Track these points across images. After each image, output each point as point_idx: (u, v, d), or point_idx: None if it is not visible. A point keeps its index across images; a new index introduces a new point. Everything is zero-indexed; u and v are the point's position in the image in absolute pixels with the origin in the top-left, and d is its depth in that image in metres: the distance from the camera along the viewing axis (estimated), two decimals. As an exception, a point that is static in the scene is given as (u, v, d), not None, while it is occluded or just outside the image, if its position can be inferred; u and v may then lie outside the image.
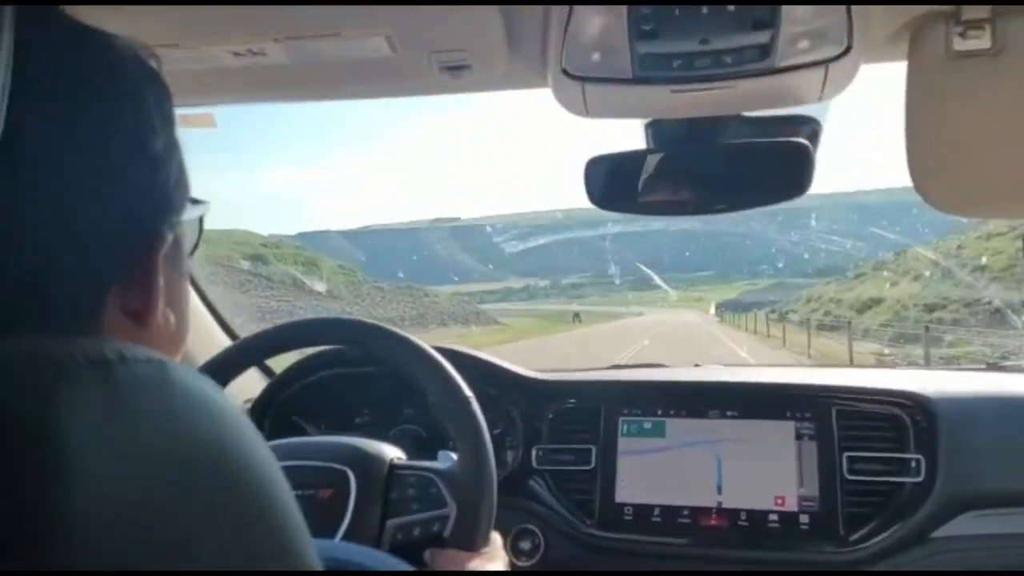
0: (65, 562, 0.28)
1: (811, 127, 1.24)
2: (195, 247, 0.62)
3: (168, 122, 0.53)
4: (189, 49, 0.97)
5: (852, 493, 1.31)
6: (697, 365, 1.69)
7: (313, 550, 0.38)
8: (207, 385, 0.36)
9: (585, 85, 1.01)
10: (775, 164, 1.16)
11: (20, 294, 0.42)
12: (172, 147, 0.53)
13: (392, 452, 1.12)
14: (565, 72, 0.99)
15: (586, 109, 1.08)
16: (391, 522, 1.05)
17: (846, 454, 1.32)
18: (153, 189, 0.51)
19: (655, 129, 1.23)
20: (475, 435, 1.05)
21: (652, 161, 1.24)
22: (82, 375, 0.32)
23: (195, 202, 0.58)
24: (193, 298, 1.61)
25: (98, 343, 0.33)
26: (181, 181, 0.54)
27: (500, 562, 1.03)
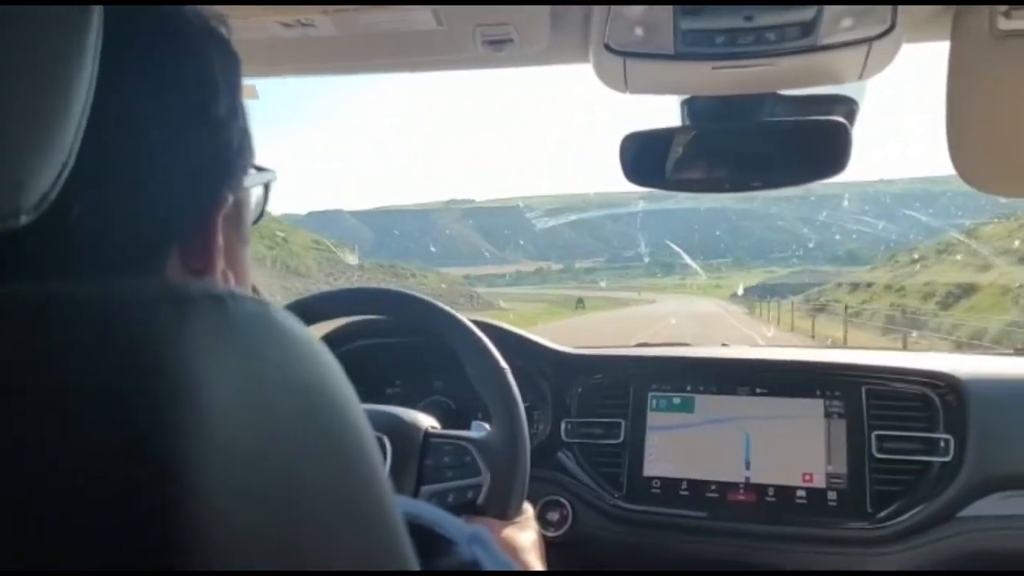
0: (196, 481, 0.30)
1: (848, 106, 1.24)
2: (260, 215, 0.63)
3: (232, 88, 0.54)
4: (238, 19, 0.99)
5: (880, 471, 1.32)
6: (725, 345, 1.70)
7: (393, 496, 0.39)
8: (304, 327, 0.37)
9: (627, 60, 1.02)
10: (813, 142, 1.17)
11: (90, 247, 0.44)
12: (235, 112, 0.54)
13: (427, 421, 1.14)
14: (607, 47, 1.00)
15: (626, 84, 1.09)
16: (426, 488, 1.07)
17: (875, 433, 1.33)
18: (214, 150, 0.52)
19: (691, 106, 1.24)
20: (510, 406, 1.08)
21: (688, 138, 1.25)
22: (201, 307, 0.33)
23: (260, 169, 0.59)
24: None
25: (204, 282, 0.35)
26: (244, 146, 0.55)
27: (532, 531, 1.05)
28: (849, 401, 1.36)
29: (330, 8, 0.95)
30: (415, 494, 1.07)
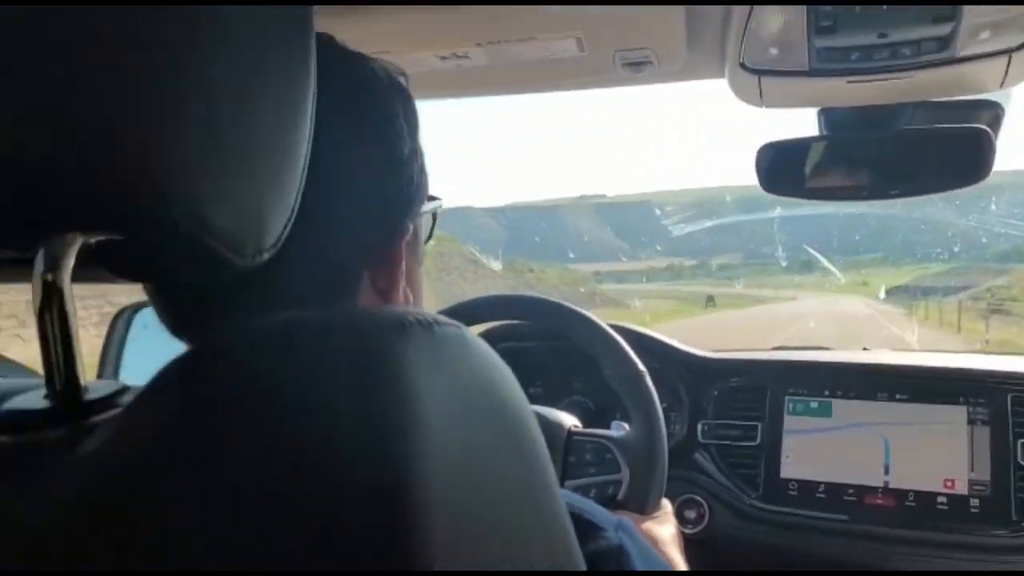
0: (423, 483, 0.32)
1: (993, 111, 1.23)
2: (429, 236, 0.72)
3: (413, 131, 0.62)
4: (399, 55, 1.10)
5: None
6: (865, 349, 1.69)
7: (563, 505, 0.43)
8: (490, 348, 0.43)
9: (761, 78, 1.06)
10: (953, 150, 1.17)
11: (300, 275, 0.52)
12: (416, 152, 0.62)
13: (570, 420, 1.22)
14: (743, 66, 1.05)
15: (761, 100, 1.13)
16: (569, 483, 1.15)
17: (1021, 441, 1.31)
18: (399, 188, 0.60)
19: (828, 115, 1.26)
20: (648, 406, 1.14)
21: (825, 147, 1.27)
22: (416, 331, 0.37)
23: (431, 198, 0.68)
24: None
25: (407, 310, 0.39)
26: (422, 181, 0.63)
27: (671, 525, 1.10)
28: (994, 408, 1.34)
29: (483, 41, 1.05)
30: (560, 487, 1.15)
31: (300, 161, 0.44)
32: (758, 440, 1.48)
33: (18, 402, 0.38)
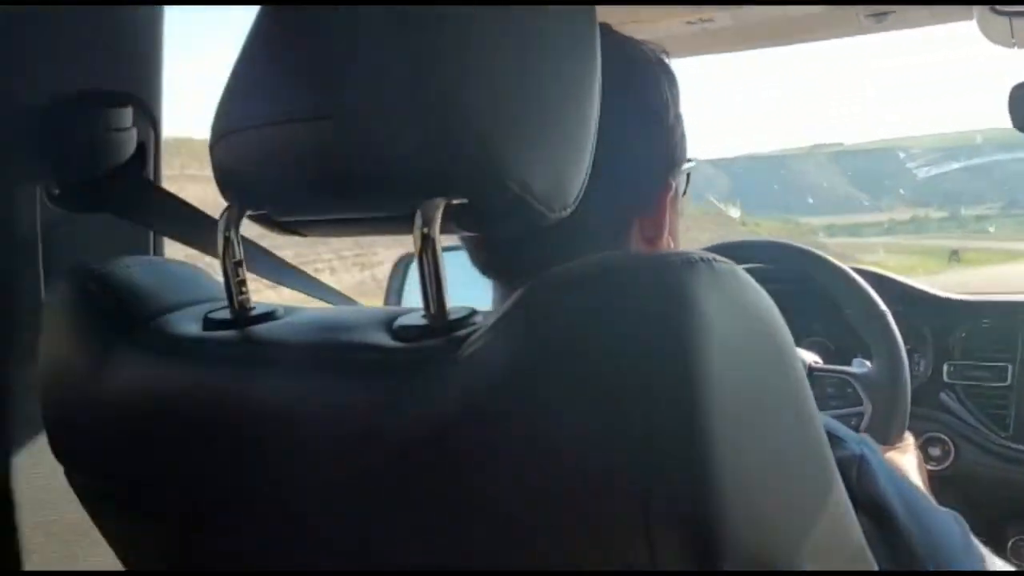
0: (711, 413, 0.38)
1: None
2: (684, 191, 0.80)
3: (676, 100, 0.72)
4: (650, 23, 1.22)
5: None
6: None
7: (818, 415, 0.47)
8: (760, 287, 0.45)
9: (1012, 19, 1.07)
10: None
11: (584, 222, 0.58)
12: (679, 118, 0.73)
13: (811, 356, 1.29)
14: (994, 9, 1.07)
15: (1012, 38, 1.14)
16: None
17: None
18: (665, 150, 0.71)
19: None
20: (891, 343, 1.19)
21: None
22: (700, 267, 0.41)
23: (688, 160, 0.77)
24: None
25: (692, 251, 0.45)
26: (683, 143, 0.73)
27: (913, 455, 1.14)
28: None
29: (730, 6, 1.15)
30: None
31: (591, 130, 0.52)
32: (1008, 381, 1.47)
33: (403, 320, 0.48)
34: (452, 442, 0.41)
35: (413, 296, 1.80)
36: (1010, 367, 1.48)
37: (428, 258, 0.45)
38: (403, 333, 0.47)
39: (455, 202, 0.45)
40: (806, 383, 0.45)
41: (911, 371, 1.41)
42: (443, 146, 0.45)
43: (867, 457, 0.68)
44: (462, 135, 0.45)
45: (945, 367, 1.55)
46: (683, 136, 0.73)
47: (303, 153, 0.48)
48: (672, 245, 0.72)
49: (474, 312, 0.47)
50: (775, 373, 0.43)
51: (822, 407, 1.20)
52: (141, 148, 0.91)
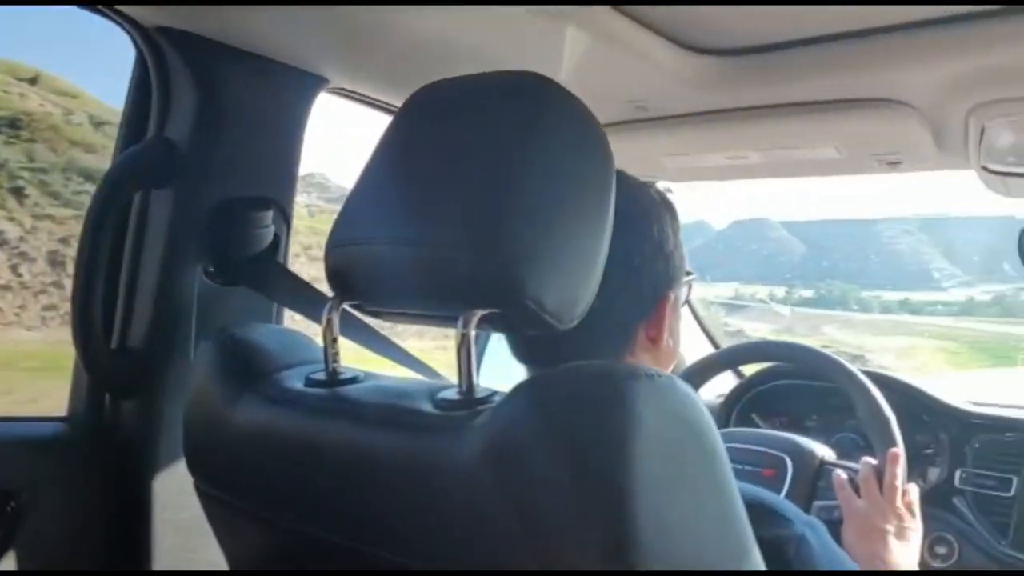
0: (639, 491, 0.51)
1: None
2: (686, 300, 0.97)
3: (676, 231, 0.89)
4: (696, 155, 1.41)
5: None
6: None
7: (742, 506, 0.57)
8: (695, 395, 0.57)
9: (1004, 178, 1.23)
10: None
11: (594, 329, 0.75)
12: (678, 246, 0.89)
13: (824, 451, 1.41)
14: (985, 168, 1.22)
15: (1007, 192, 1.29)
16: (816, 503, 1.35)
17: None
18: (665, 271, 0.85)
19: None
20: (892, 446, 1.32)
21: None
22: (641, 379, 0.53)
23: (688, 274, 0.93)
24: (691, 319, 2.08)
25: (641, 366, 0.57)
26: (682, 264, 0.90)
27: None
28: None
29: (760, 147, 1.33)
30: (807, 507, 1.36)
31: (600, 260, 0.67)
32: (1012, 492, 1.58)
33: (443, 394, 0.63)
34: (469, 483, 0.56)
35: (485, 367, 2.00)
36: (1015, 479, 1.59)
37: (464, 351, 0.61)
38: (441, 404, 0.62)
39: (488, 312, 0.61)
40: (730, 478, 0.57)
41: (925, 474, 1.54)
42: (484, 276, 0.61)
43: (807, 538, 0.80)
44: (498, 269, 0.61)
45: (958, 473, 1.66)
46: (682, 258, 0.89)
47: (400, 269, 0.66)
48: (671, 344, 0.88)
49: (495, 393, 0.61)
50: (701, 470, 0.55)
51: (828, 497, 1.33)
52: (276, 239, 1.15)
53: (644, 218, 0.85)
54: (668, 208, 0.89)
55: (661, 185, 0.95)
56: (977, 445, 1.68)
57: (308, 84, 1.18)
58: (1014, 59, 1.03)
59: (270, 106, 1.14)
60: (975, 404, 1.77)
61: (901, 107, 1.17)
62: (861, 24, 1.04)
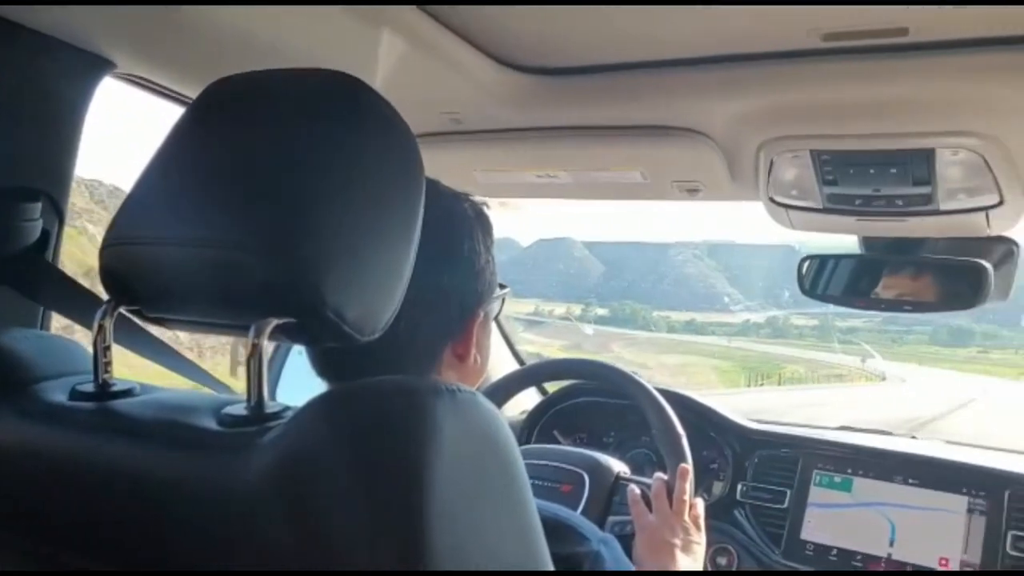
0: (433, 508, 0.49)
1: (1007, 247, 1.42)
2: (497, 314, 0.96)
3: (488, 246, 0.87)
4: (509, 172, 1.42)
5: (1011, 567, 1.47)
6: (914, 437, 1.86)
7: (538, 521, 0.58)
8: (493, 406, 0.57)
9: (788, 210, 1.32)
10: (955, 279, 1.38)
11: (400, 345, 0.76)
12: (490, 260, 0.87)
13: (620, 467, 1.46)
14: (772, 200, 1.31)
15: (791, 224, 1.38)
16: (611, 518, 1.39)
17: (1011, 532, 1.49)
18: (474, 288, 0.84)
19: (866, 239, 1.49)
20: (682, 462, 1.38)
21: (858, 264, 1.51)
22: (443, 394, 0.52)
23: (502, 287, 0.93)
24: (499, 336, 2.07)
25: (443, 381, 0.55)
26: (492, 280, 0.88)
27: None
28: (992, 501, 1.52)
29: (568, 168, 1.35)
30: (603, 522, 1.39)
31: (406, 270, 0.64)
32: (785, 504, 1.69)
33: (229, 409, 0.59)
34: (253, 507, 0.52)
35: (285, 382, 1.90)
36: (788, 492, 1.71)
37: (255, 363, 0.58)
38: (226, 420, 0.58)
39: (283, 321, 0.58)
40: (528, 493, 0.57)
41: (710, 487, 1.62)
42: (278, 282, 0.57)
43: (602, 554, 0.83)
44: (294, 276, 0.57)
45: (739, 486, 1.76)
46: (493, 273, 0.88)
47: (187, 272, 0.60)
48: (479, 360, 0.87)
49: (287, 408, 0.58)
50: (499, 485, 0.55)
51: (622, 512, 1.37)
52: (45, 234, 1.02)
53: (455, 233, 0.83)
54: (482, 222, 0.87)
55: (478, 198, 0.90)
56: (756, 460, 1.78)
57: (91, 67, 1.06)
58: (796, 100, 1.10)
59: (45, 87, 1.02)
60: (756, 421, 1.89)
61: (701, 137, 1.23)
62: (670, 54, 1.08)
